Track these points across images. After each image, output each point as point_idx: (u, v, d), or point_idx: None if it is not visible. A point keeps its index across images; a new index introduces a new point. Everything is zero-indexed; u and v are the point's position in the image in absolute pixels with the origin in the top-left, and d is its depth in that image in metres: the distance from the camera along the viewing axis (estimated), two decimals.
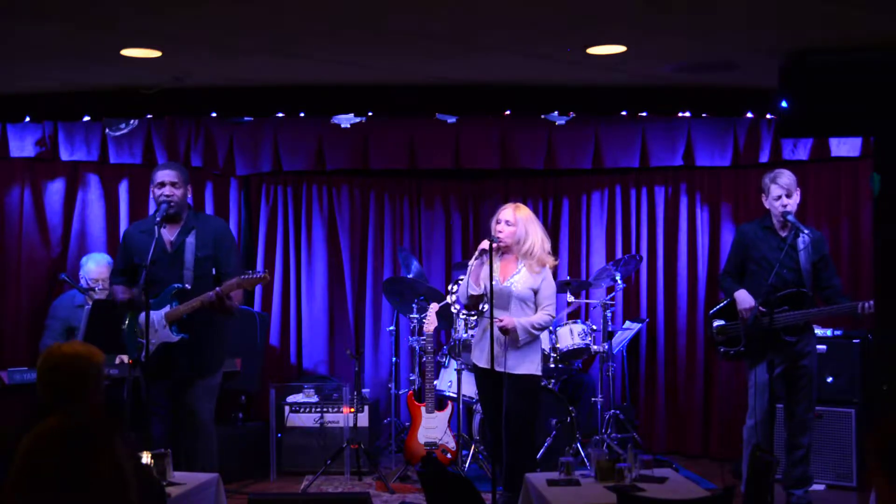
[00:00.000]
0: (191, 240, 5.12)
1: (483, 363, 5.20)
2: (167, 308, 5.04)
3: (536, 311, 5.23)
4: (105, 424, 1.94)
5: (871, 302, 5.21)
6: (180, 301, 5.04)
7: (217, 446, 5.24)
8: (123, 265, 5.23)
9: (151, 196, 5.24)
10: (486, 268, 5.10)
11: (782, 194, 5.40)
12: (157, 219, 5.03)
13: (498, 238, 5.21)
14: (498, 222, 5.28)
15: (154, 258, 4.92)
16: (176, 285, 5.06)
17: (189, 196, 5.25)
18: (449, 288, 5.60)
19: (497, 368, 5.14)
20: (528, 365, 5.20)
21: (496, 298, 5.18)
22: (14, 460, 1.90)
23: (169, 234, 5.14)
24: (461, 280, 5.35)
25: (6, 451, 2.33)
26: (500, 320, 5.10)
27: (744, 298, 5.45)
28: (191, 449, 5.09)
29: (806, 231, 5.36)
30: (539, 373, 5.30)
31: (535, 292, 5.22)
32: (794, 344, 5.37)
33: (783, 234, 5.46)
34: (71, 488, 1.85)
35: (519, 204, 5.40)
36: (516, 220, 5.25)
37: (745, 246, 5.57)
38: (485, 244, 5.14)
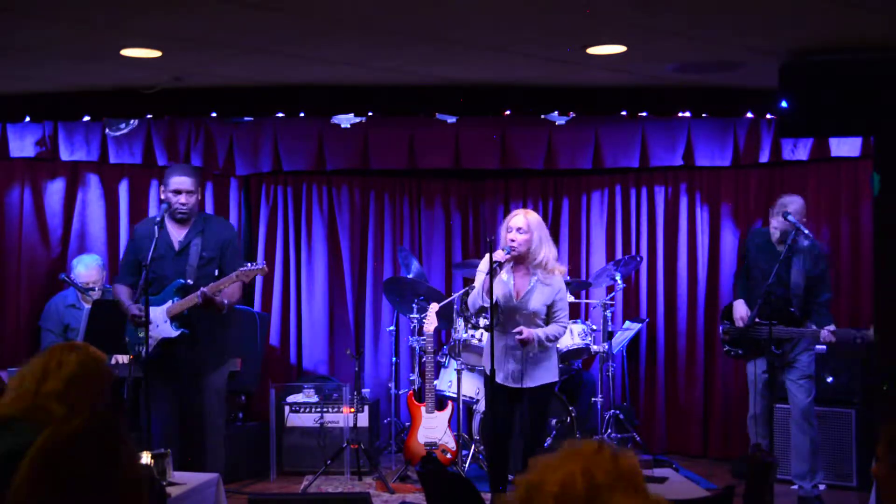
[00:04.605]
0: (198, 241, 5.26)
1: (500, 379, 5.00)
2: (169, 304, 5.15)
3: (547, 322, 5.08)
4: (119, 424, 1.95)
5: (832, 328, 5.47)
6: (182, 297, 5.15)
7: (225, 451, 5.37)
8: (131, 265, 5.33)
9: (161, 196, 5.38)
10: (494, 280, 4.91)
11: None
12: (157, 218, 5.21)
13: (511, 248, 4.94)
14: (510, 230, 4.98)
15: (160, 255, 5.13)
16: (179, 281, 5.18)
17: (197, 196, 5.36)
18: (466, 290, 5.59)
19: (513, 384, 5.03)
20: (546, 375, 5.10)
21: (507, 311, 5.03)
22: (25, 459, 1.89)
23: (178, 233, 5.28)
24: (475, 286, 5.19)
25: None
26: (521, 332, 4.92)
27: (738, 308, 5.79)
28: (198, 451, 5.21)
29: (805, 231, 5.38)
30: (556, 378, 5.21)
31: (549, 305, 5.05)
32: (781, 353, 5.61)
33: (780, 248, 5.65)
34: (92, 488, 1.85)
35: (528, 210, 5.22)
36: (529, 228, 4.96)
37: (748, 252, 5.90)
38: (499, 256, 4.91)
